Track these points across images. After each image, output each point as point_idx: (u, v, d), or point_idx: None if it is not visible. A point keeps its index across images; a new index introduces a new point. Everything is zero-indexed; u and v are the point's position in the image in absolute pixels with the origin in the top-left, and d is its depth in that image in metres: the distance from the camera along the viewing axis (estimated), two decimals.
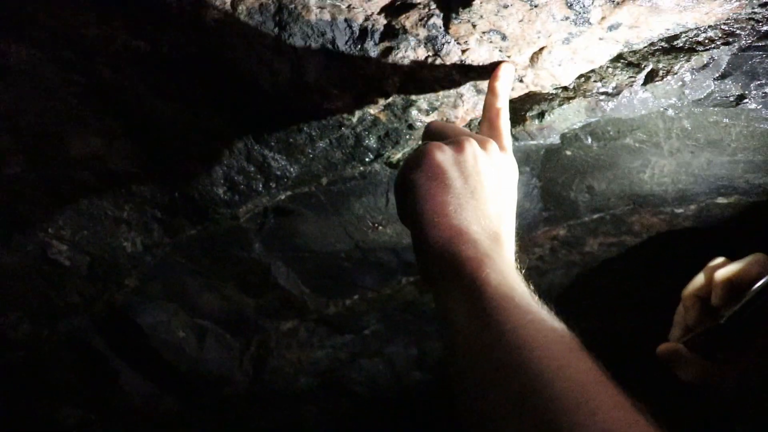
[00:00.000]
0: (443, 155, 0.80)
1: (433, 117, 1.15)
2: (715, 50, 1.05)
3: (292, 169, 1.27)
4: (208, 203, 1.33)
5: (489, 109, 0.93)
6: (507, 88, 0.96)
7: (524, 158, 1.35)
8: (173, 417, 1.85)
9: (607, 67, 1.09)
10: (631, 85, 1.09)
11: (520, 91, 1.11)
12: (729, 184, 1.37)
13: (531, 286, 0.70)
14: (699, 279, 1.05)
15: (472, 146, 0.81)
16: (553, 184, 1.44)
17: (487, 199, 0.79)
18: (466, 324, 0.66)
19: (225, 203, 1.33)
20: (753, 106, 1.13)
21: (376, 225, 1.41)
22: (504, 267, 0.70)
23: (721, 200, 1.43)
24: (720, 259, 1.04)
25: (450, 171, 0.78)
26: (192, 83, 1.09)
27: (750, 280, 0.96)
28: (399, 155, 1.24)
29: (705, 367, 0.99)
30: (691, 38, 1.05)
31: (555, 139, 1.29)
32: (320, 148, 1.22)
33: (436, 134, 0.90)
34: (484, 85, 1.10)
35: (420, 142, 1.17)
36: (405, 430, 2.04)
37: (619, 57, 1.08)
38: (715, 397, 0.99)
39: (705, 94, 1.12)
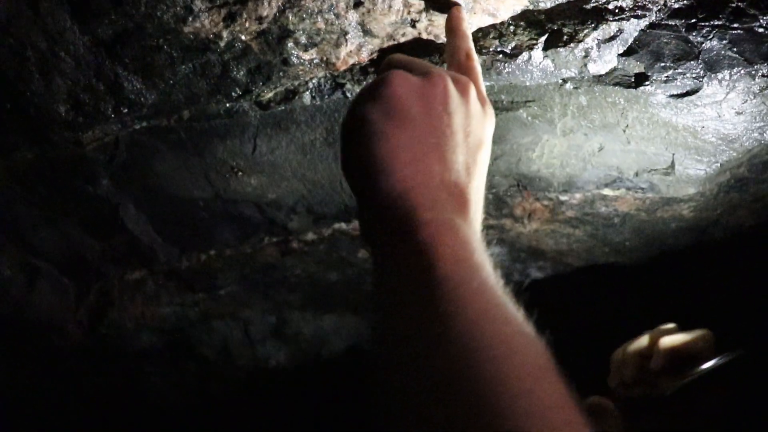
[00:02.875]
0: (408, 86, 0.64)
1: (311, 54, 1.03)
2: (625, 22, 0.98)
3: (148, 95, 1.12)
4: (46, 122, 1.15)
5: (456, 51, 0.77)
6: (468, 28, 0.81)
7: None
8: None
9: (509, 24, 1.00)
10: (532, 48, 1.01)
11: (410, 36, 0.99)
12: (618, 175, 1.31)
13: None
14: (644, 339, 1.08)
15: (444, 81, 0.66)
16: None
17: (456, 147, 0.64)
18: (410, 308, 0.52)
19: (67, 124, 1.17)
20: (653, 89, 1.06)
21: (238, 171, 1.27)
22: (467, 237, 0.57)
23: (607, 192, 1.37)
24: (670, 325, 1.08)
25: (414, 107, 0.63)
26: None
27: (692, 355, 1.00)
28: (270, 94, 1.11)
29: (626, 429, 1.05)
30: (602, 4, 0.97)
31: None
32: (182, 73, 1.08)
33: (399, 66, 0.72)
34: (372, 25, 0.99)
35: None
36: (254, 401, 1.91)
37: (523, 14, 0.99)
38: None
39: (607, 70, 1.04)
